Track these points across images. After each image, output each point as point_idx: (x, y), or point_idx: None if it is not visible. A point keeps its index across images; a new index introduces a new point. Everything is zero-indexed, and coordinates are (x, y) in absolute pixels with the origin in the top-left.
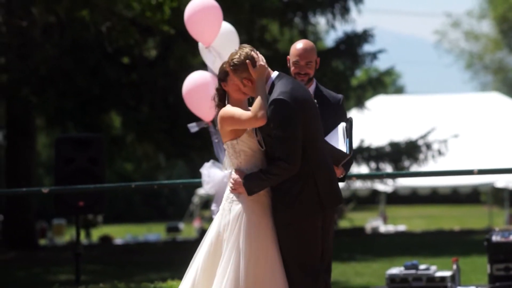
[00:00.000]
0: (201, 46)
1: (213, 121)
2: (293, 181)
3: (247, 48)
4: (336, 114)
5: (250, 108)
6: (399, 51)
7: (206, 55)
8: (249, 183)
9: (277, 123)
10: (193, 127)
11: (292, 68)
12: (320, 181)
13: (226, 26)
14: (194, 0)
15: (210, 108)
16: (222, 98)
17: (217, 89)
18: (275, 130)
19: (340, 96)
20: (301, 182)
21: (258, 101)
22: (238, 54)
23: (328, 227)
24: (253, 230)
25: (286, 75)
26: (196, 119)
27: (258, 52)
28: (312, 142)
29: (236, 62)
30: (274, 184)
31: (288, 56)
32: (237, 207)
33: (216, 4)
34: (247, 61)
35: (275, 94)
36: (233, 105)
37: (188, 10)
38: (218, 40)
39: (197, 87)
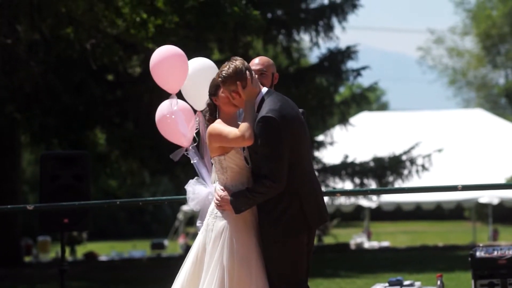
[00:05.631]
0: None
1: (194, 138)
2: (279, 199)
3: (237, 61)
4: None
5: (240, 123)
6: (383, 68)
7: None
8: (236, 201)
9: (264, 141)
10: (175, 155)
11: None
12: (306, 199)
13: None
14: (159, 49)
15: (184, 134)
16: (213, 112)
17: (208, 104)
18: (262, 148)
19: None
20: (287, 200)
21: (245, 121)
22: (227, 66)
23: (312, 243)
24: (237, 247)
25: (276, 92)
26: None
27: (250, 68)
28: (299, 160)
29: (224, 75)
30: (260, 202)
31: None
32: (221, 223)
33: (181, 52)
34: (238, 82)
35: (263, 112)
36: (224, 119)
37: (153, 59)
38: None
39: (166, 116)
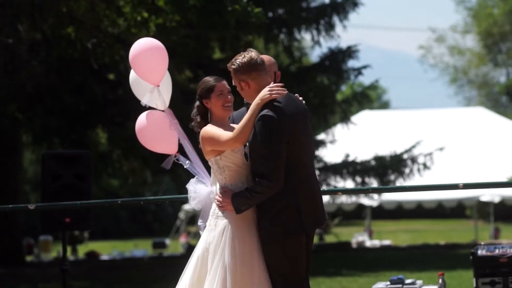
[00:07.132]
0: (134, 81)
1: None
2: (277, 197)
3: (253, 53)
4: None
5: (233, 125)
6: (385, 66)
7: (144, 93)
8: (237, 201)
9: (262, 139)
10: (167, 164)
11: None
12: (303, 200)
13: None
14: (139, 40)
15: (167, 141)
16: (204, 116)
17: (198, 106)
18: (260, 146)
19: None
20: (285, 199)
21: (243, 122)
22: (242, 56)
23: (311, 244)
24: (238, 245)
25: None
26: None
27: (264, 61)
28: (299, 159)
29: (238, 63)
30: (259, 202)
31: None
32: (222, 222)
33: (162, 45)
34: (250, 72)
35: (264, 110)
36: (216, 122)
37: (135, 50)
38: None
39: (147, 128)
